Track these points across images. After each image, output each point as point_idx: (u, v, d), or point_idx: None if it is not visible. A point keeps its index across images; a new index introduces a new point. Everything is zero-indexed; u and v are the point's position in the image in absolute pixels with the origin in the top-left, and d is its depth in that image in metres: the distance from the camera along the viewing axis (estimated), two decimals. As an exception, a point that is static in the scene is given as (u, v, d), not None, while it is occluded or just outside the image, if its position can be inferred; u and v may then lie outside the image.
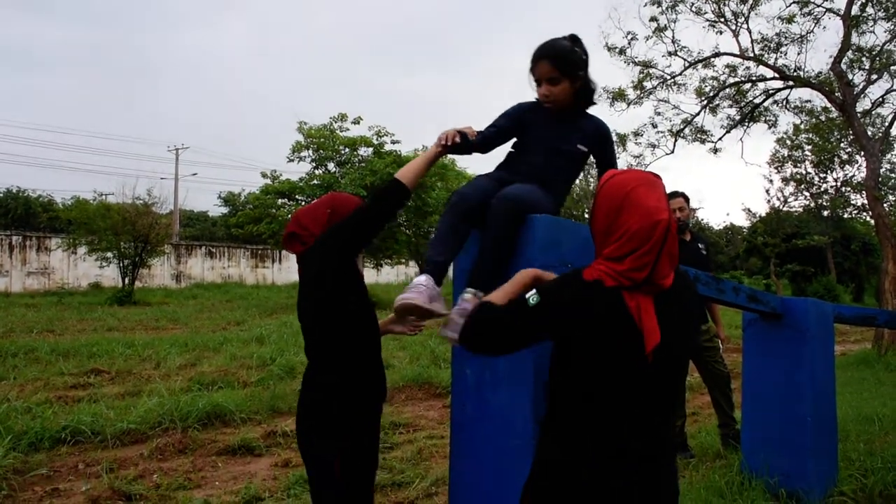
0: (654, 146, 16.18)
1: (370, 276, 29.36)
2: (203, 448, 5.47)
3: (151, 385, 7.53)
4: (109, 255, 22.20)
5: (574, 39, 2.49)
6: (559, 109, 2.51)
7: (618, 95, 15.53)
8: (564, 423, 1.72)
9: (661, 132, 16.20)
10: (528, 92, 2.56)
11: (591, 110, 2.62)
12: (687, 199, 5.32)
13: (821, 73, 14.25)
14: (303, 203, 21.34)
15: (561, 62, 2.43)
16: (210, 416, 6.20)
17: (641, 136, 16.28)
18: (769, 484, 4.20)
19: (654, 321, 1.63)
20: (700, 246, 5.33)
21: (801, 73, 13.98)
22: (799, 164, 33.05)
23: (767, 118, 16.19)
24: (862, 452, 4.87)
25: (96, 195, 26.00)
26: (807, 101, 16.65)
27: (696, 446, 5.55)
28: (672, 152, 16.11)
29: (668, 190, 5.20)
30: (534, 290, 1.71)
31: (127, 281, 22.23)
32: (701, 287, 3.44)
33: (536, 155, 2.50)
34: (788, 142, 30.71)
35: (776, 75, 14.26)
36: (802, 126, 21.45)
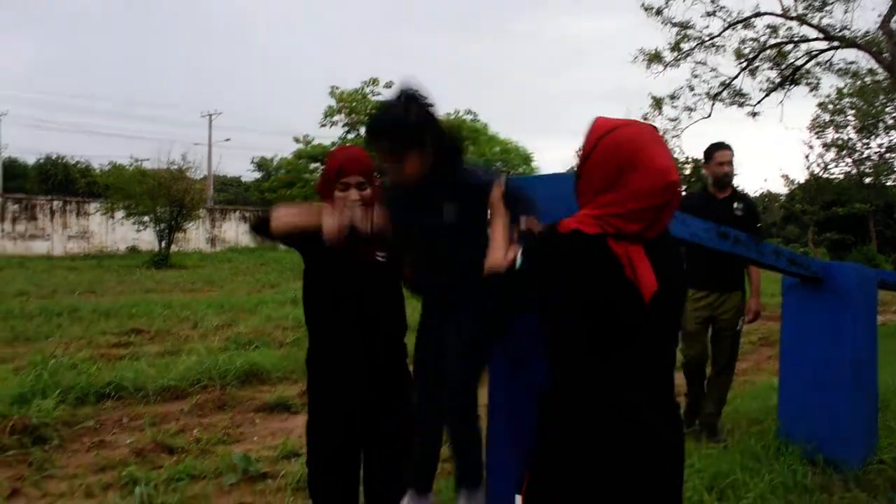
0: (690, 110, 15.89)
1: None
2: (241, 405, 5.59)
3: (190, 344, 7.70)
4: (146, 219, 22.57)
5: (408, 99, 2.12)
6: (419, 182, 2.15)
7: (654, 58, 15.26)
8: (566, 383, 1.68)
9: (698, 95, 15.90)
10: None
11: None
12: (733, 153, 4.95)
13: (868, 32, 13.79)
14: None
15: (399, 137, 2.08)
16: (247, 375, 6.33)
17: (678, 99, 15.98)
18: (806, 450, 4.17)
19: (649, 269, 1.59)
20: (735, 206, 4.92)
21: (847, 33, 13.54)
22: (841, 130, 32.18)
23: (809, 81, 15.77)
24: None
25: (132, 161, 26.32)
26: (851, 63, 16.13)
27: (730, 412, 5.52)
28: (709, 116, 15.82)
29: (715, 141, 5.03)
30: (520, 253, 1.69)
31: (163, 244, 22.61)
32: (740, 248, 3.39)
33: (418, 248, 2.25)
34: (831, 106, 29.93)
35: (820, 35, 13.85)
36: (846, 89, 20.88)
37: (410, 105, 2.10)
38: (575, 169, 1.77)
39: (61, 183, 33.73)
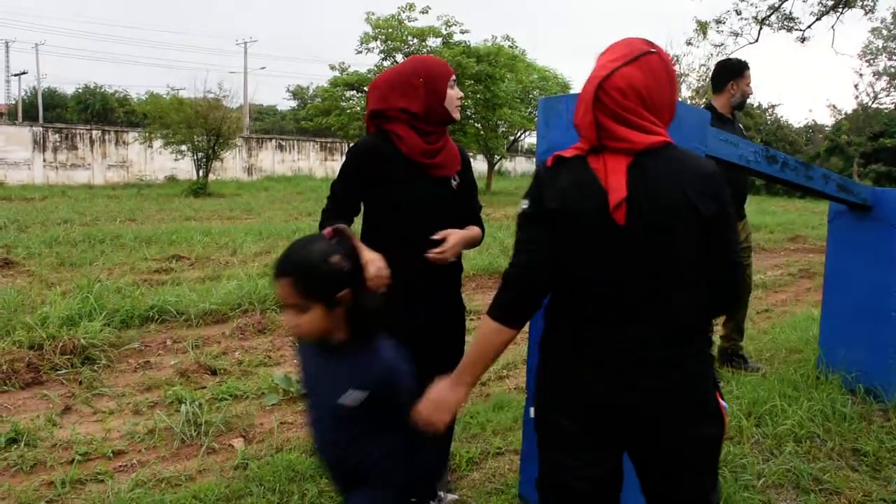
0: (736, 35, 15.38)
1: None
2: (281, 329, 5.69)
3: (230, 270, 7.82)
4: (184, 148, 22.72)
5: (323, 255, 1.72)
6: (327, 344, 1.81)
7: (701, -21, 14.59)
8: (558, 315, 1.67)
9: (746, 19, 15.27)
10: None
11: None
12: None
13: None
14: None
15: (307, 282, 1.71)
16: (286, 300, 6.41)
17: (724, 23, 15.38)
18: (846, 379, 4.13)
19: (620, 178, 1.55)
20: (742, 126, 4.77)
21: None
22: (894, 57, 30.83)
23: (864, 3, 15.01)
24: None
25: (169, 90, 26.39)
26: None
27: (768, 342, 5.48)
28: (756, 41, 15.22)
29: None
30: (523, 199, 1.67)
31: (201, 173, 22.81)
32: (788, 173, 3.28)
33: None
34: (885, 31, 28.60)
35: (879, -46, 13.09)
36: (903, 12, 19.84)
37: (328, 257, 1.73)
38: None
39: (100, 112, 34.02)
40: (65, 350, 4.55)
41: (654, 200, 1.54)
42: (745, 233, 4.74)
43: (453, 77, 2.47)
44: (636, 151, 1.57)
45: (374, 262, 2.04)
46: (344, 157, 2.48)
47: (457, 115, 2.49)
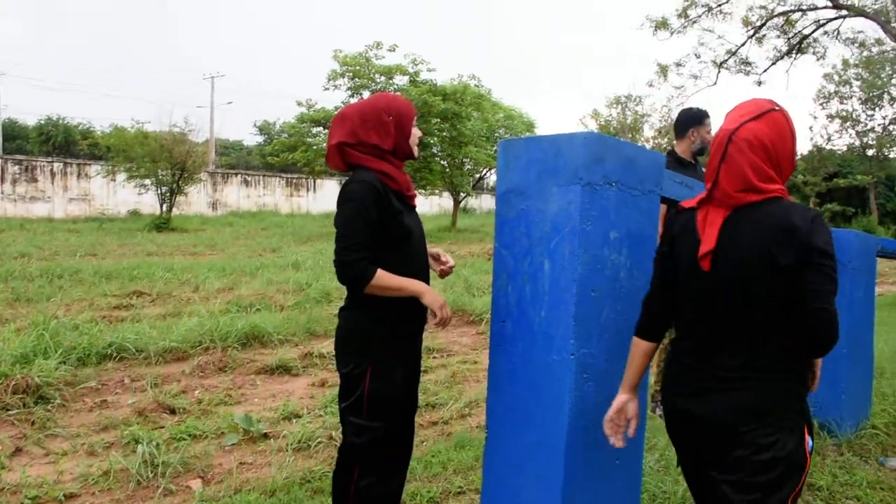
0: (696, 77, 15.80)
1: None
2: (242, 367, 5.63)
3: (191, 307, 7.72)
4: (147, 182, 22.46)
5: None
6: None
7: (661, 24, 15.06)
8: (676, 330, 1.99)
9: (704, 62, 15.77)
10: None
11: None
12: None
13: (877, 1, 13.59)
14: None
15: None
16: (248, 337, 6.36)
17: (684, 66, 15.83)
18: (801, 415, 4.20)
19: (713, 229, 1.79)
20: (703, 171, 4.87)
21: (856, 2, 13.35)
22: (846, 101, 32.01)
23: (816, 50, 15.60)
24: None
25: (134, 123, 26.08)
26: (859, 32, 15.99)
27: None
28: (714, 84, 15.68)
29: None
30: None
31: (165, 208, 22.55)
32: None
33: None
34: (836, 77, 29.70)
35: (829, 4, 13.65)
36: (852, 60, 20.66)
37: None
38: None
39: (62, 145, 33.51)
40: (17, 389, 4.44)
41: (736, 251, 1.76)
42: None
43: (416, 117, 2.56)
44: (734, 206, 1.79)
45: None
46: (349, 201, 2.36)
47: (417, 153, 2.61)
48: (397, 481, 2.53)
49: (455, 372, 5.69)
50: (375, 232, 2.33)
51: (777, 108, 1.83)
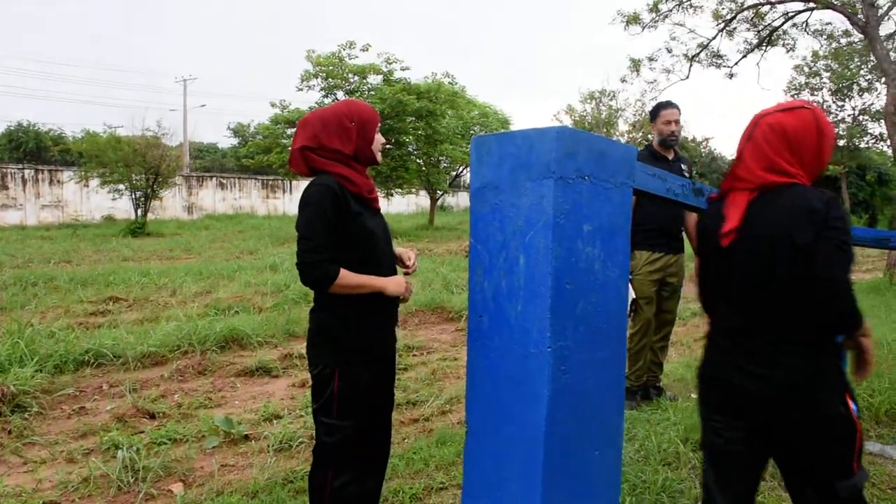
0: (668, 71, 15.83)
1: (381, 206, 29.21)
2: (222, 370, 5.61)
3: (169, 311, 7.67)
4: (121, 187, 22.22)
5: None
6: None
7: (632, 19, 15.13)
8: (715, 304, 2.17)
9: (676, 56, 15.85)
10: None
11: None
12: (680, 111, 4.84)
13: (844, -8, 13.77)
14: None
15: None
16: (227, 340, 6.34)
17: (656, 61, 15.92)
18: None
19: (737, 210, 1.99)
20: (683, 167, 4.84)
21: (823, -6, 13.51)
22: (816, 92, 32.38)
23: (786, 42, 15.77)
24: (870, 374, 4.92)
25: (106, 128, 25.74)
26: (827, 24, 16.19)
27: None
28: (687, 78, 15.78)
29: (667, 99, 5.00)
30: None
31: (139, 213, 22.34)
32: (702, 202, 3.41)
33: None
34: (806, 69, 30.08)
35: (797, -4, 13.81)
36: (822, 52, 20.95)
37: None
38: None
39: (33, 151, 33.01)
40: (-7, 398, 4.39)
41: (759, 229, 1.94)
42: (678, 268, 4.87)
43: (379, 123, 2.61)
44: (757, 188, 1.98)
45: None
46: (308, 205, 2.38)
47: (380, 159, 2.66)
48: (374, 481, 2.55)
49: (435, 369, 5.71)
50: (336, 234, 2.36)
51: (808, 107, 2.02)
